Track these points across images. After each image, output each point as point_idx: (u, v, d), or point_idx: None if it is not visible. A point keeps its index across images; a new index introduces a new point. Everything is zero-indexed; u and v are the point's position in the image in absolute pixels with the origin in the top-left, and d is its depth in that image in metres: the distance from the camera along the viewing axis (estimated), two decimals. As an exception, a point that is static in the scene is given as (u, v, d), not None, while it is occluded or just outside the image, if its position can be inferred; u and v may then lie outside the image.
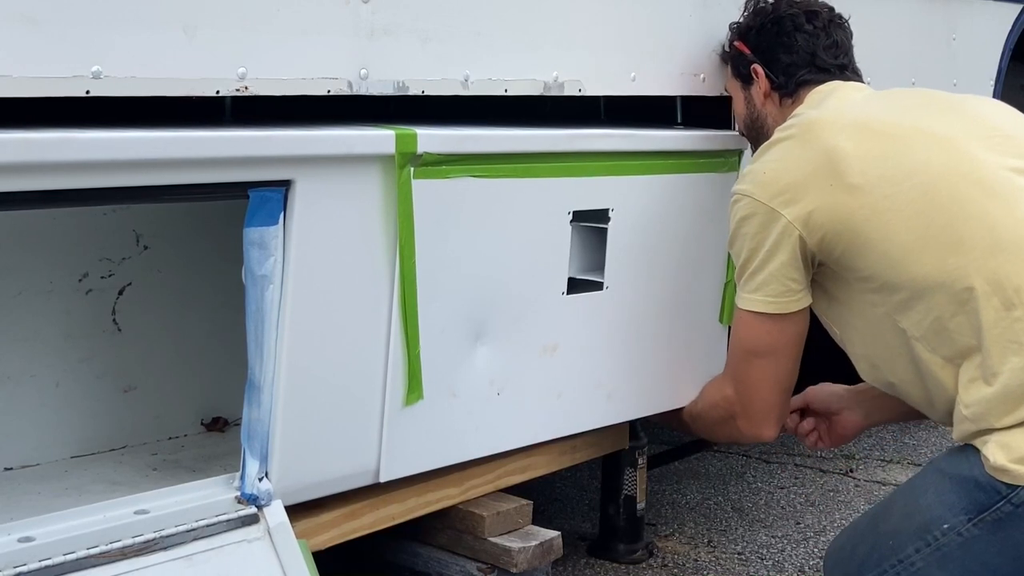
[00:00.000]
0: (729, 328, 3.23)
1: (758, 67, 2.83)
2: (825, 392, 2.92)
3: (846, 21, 2.87)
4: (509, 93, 2.69)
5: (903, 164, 2.43)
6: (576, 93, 2.83)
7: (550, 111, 2.92)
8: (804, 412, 2.94)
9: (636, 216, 2.97)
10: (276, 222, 2.27)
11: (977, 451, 2.30)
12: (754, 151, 2.88)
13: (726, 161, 3.15)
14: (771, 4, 2.88)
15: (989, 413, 2.29)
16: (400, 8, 2.46)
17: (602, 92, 2.94)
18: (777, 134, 2.64)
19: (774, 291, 2.54)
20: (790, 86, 2.80)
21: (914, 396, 2.51)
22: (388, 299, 2.48)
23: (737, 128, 3.06)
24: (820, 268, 2.54)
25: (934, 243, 2.37)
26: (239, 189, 2.23)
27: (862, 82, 2.83)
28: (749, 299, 2.59)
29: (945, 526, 2.28)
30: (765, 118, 2.85)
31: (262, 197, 2.25)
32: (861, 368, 2.61)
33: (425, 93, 2.53)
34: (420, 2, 2.49)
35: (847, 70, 2.81)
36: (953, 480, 2.32)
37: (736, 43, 2.90)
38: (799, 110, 2.74)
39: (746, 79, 2.88)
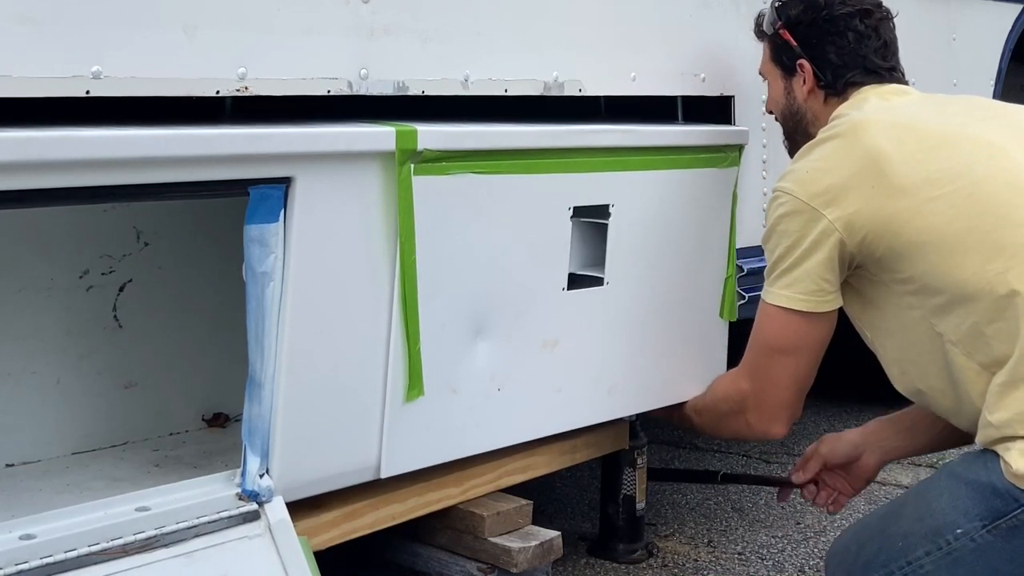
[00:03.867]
0: (729, 324, 3.28)
1: (806, 63, 2.77)
2: (840, 445, 2.90)
3: (894, 18, 2.82)
4: (509, 93, 2.70)
5: (947, 168, 2.42)
6: (576, 93, 2.84)
7: (551, 109, 2.92)
8: (822, 470, 2.94)
9: (636, 212, 2.97)
10: (276, 219, 2.27)
11: (996, 457, 2.29)
12: (786, 139, 2.89)
13: (727, 156, 3.15)
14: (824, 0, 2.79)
15: (1016, 420, 2.28)
16: (400, 8, 2.47)
17: (602, 92, 2.96)
18: (821, 134, 2.62)
19: (806, 289, 2.53)
20: (838, 86, 2.75)
21: (942, 404, 2.50)
22: (388, 295, 2.49)
23: (766, 109, 3.04)
24: (856, 271, 2.53)
25: (977, 248, 2.35)
26: (240, 186, 2.24)
27: (906, 83, 2.80)
28: (779, 294, 2.57)
29: (959, 531, 2.27)
30: (805, 112, 2.81)
31: (262, 194, 2.26)
32: (891, 373, 2.59)
33: (425, 93, 2.53)
34: (420, 2, 2.50)
35: (895, 71, 2.77)
36: (969, 485, 2.31)
37: (782, 32, 2.81)
38: (842, 109, 2.70)
39: (789, 70, 2.82)
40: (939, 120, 2.56)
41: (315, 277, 2.36)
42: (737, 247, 3.27)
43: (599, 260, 2.95)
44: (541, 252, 2.79)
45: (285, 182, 2.28)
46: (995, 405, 2.31)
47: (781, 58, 2.83)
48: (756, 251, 3.36)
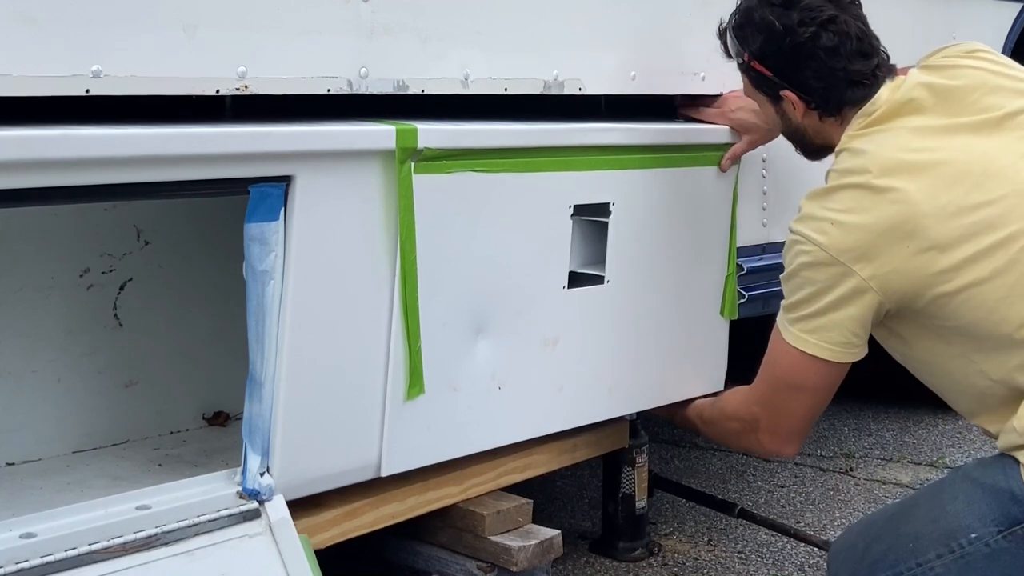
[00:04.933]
0: (730, 322, 3.28)
1: (789, 92, 2.65)
2: None
3: (855, 1, 2.67)
4: (509, 92, 2.70)
5: (982, 220, 2.37)
6: (576, 92, 2.83)
7: (551, 107, 2.93)
8: None
9: (637, 210, 2.97)
10: (277, 218, 2.28)
11: (1016, 464, 2.30)
12: (797, 149, 2.81)
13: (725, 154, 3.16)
14: (778, 21, 2.61)
15: None
16: (400, 7, 2.46)
17: (602, 91, 2.95)
18: (839, 178, 2.51)
19: (834, 340, 2.48)
20: (831, 108, 2.63)
21: (964, 409, 2.53)
22: (389, 294, 2.49)
23: (762, 122, 3.01)
24: (889, 316, 2.48)
25: (1019, 299, 2.34)
26: (240, 185, 2.24)
27: (893, 67, 2.65)
28: (802, 338, 2.51)
29: (973, 535, 2.27)
30: (806, 129, 2.71)
31: (263, 193, 2.26)
32: (922, 379, 2.60)
33: (425, 92, 2.53)
34: (420, 1, 2.50)
35: (881, 70, 2.61)
36: (986, 490, 2.31)
37: (754, 64, 2.69)
38: (852, 139, 2.57)
39: (775, 99, 2.71)
40: (960, 146, 2.46)
41: (315, 275, 2.36)
42: (737, 246, 3.26)
43: (599, 258, 2.95)
44: (542, 250, 2.79)
45: (285, 181, 2.29)
46: None
47: (762, 88, 2.72)
48: (756, 250, 3.39)
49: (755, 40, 2.66)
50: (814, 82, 2.61)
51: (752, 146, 3.15)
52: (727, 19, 2.76)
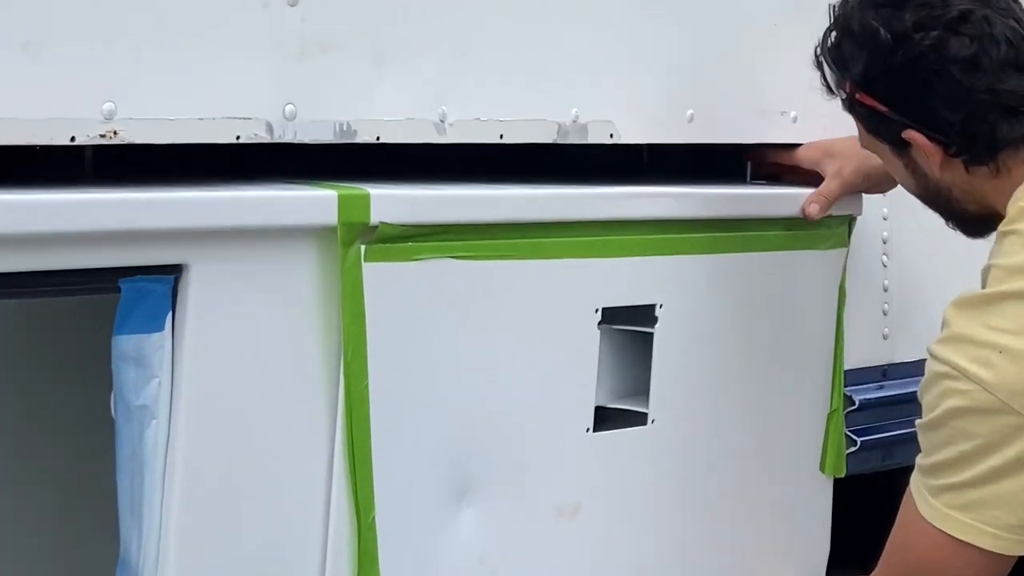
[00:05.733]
0: (836, 481, 3.29)
1: (914, 133, 2.65)
2: None
3: None
4: (506, 141, 2.73)
5: None
6: (606, 140, 2.87)
7: (569, 162, 2.93)
8: None
9: (696, 315, 3.00)
10: (161, 327, 2.29)
11: None
12: (950, 223, 2.82)
13: (829, 234, 3.19)
14: (884, 28, 2.61)
15: None
16: (344, 13, 2.49)
17: (644, 139, 3.01)
18: (1007, 279, 2.53)
19: (998, 521, 2.49)
20: (979, 153, 2.62)
21: None
22: (328, 439, 2.49)
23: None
24: None
25: None
26: (105, 279, 2.24)
27: None
28: (951, 517, 2.52)
29: None
30: (950, 188, 2.71)
31: (140, 291, 2.26)
32: None
33: (381, 140, 2.55)
34: (372, 4, 2.52)
35: None
36: None
37: (860, 98, 2.71)
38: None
39: (898, 145, 2.72)
40: None
41: (218, 412, 2.37)
42: (845, 368, 3.29)
43: (640, 387, 2.96)
44: (555, 375, 2.80)
45: (174, 272, 2.29)
46: None
47: (878, 130, 2.74)
48: (873, 374, 3.41)
49: (856, 60, 2.67)
50: (947, 112, 2.60)
51: (853, 183, 3.15)
52: (823, 37, 2.75)
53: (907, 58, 2.58)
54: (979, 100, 2.57)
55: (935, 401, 2.51)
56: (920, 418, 2.56)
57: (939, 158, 2.64)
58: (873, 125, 2.72)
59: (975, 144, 2.60)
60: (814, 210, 3.11)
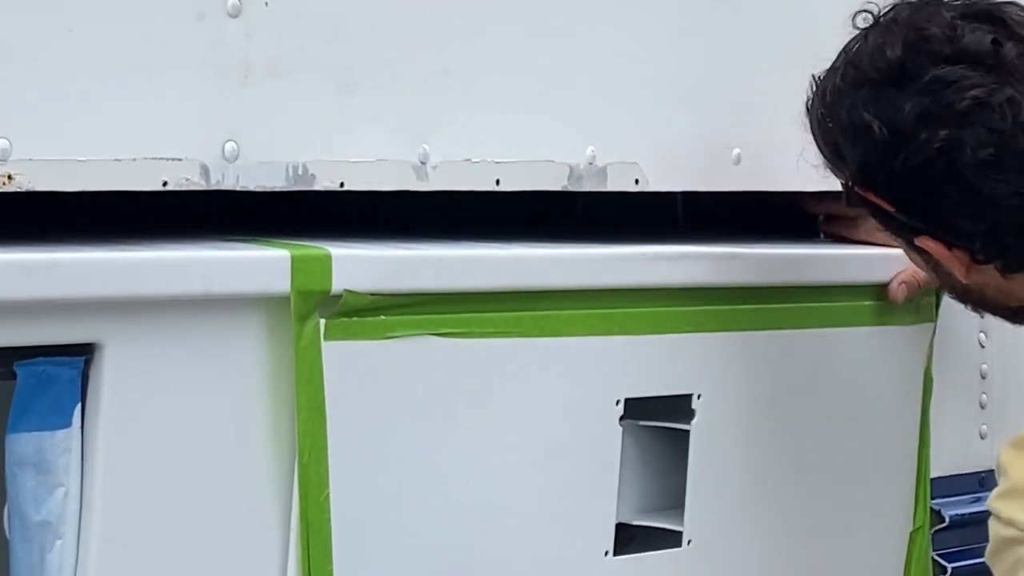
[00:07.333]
0: None
1: (928, 241, 2.67)
2: None
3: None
4: (504, 188, 2.74)
5: None
6: (631, 188, 2.89)
7: (585, 214, 2.92)
8: None
9: (743, 409, 3.02)
10: (68, 423, 2.29)
11: None
12: (974, 308, 2.86)
13: (914, 304, 3.22)
14: (883, 123, 2.58)
15: None
16: (300, 26, 2.50)
17: (677, 186, 3.04)
18: None
19: None
20: (1014, 264, 2.65)
21: None
22: (279, 565, 2.49)
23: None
24: None
25: None
26: None
27: None
28: None
29: None
30: (982, 290, 2.75)
31: (41, 376, 2.27)
32: None
33: (345, 187, 2.56)
34: (336, 15, 2.54)
35: None
36: None
37: (861, 193, 2.71)
38: None
39: (914, 247, 2.74)
40: None
41: (139, 531, 2.37)
42: (931, 476, 3.31)
43: (673, 500, 2.97)
44: (565, 485, 2.80)
45: (84, 353, 2.30)
46: None
47: (887, 228, 2.78)
48: (968, 483, 3.39)
49: (853, 149, 2.65)
50: (966, 223, 2.60)
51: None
52: (810, 109, 2.74)
53: (911, 164, 2.56)
54: (1005, 207, 2.56)
55: (1007, 569, 2.55)
56: None
57: (964, 265, 2.65)
58: (882, 221, 2.74)
59: (1008, 254, 2.62)
60: (901, 293, 3.14)
